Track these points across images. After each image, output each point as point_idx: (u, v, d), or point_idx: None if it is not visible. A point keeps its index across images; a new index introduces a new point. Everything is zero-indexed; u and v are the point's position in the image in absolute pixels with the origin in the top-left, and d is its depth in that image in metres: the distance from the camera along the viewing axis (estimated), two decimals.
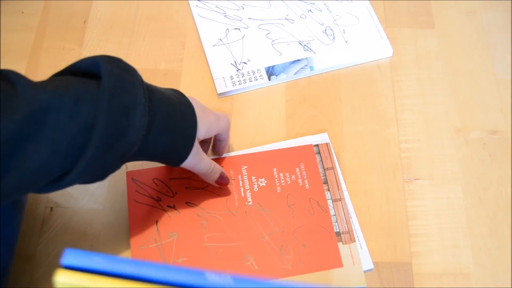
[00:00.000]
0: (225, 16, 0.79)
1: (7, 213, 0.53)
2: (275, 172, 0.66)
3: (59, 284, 0.40)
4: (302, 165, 0.66)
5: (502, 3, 0.81)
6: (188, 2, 0.81)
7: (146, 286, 0.37)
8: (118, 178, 0.67)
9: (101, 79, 0.45)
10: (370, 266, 0.61)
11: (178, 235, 0.62)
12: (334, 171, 0.66)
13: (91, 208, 0.65)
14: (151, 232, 0.62)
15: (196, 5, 0.80)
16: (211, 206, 0.64)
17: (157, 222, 0.63)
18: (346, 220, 0.63)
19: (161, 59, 0.76)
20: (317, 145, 0.68)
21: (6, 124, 0.40)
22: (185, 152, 0.54)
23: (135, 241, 0.62)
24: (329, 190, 0.65)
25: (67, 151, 0.43)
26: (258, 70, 0.74)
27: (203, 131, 0.56)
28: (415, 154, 0.69)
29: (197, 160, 0.57)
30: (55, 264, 0.62)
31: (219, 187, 0.63)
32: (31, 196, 0.64)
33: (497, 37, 0.78)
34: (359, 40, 0.77)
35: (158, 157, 0.53)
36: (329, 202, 0.64)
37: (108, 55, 0.48)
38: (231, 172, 0.66)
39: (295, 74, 0.74)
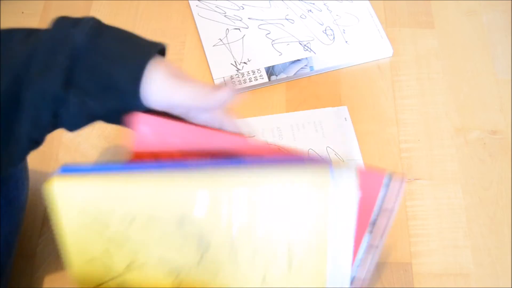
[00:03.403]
0: (225, 16, 0.79)
1: (6, 212, 0.53)
2: None
3: (54, 194, 0.43)
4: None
5: (502, 3, 0.81)
6: (188, 2, 0.81)
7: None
8: None
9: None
10: None
11: None
12: (390, 215, 0.48)
13: None
14: None
15: (196, 5, 0.80)
16: None
17: None
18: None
19: None
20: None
21: None
22: (139, 63, 0.43)
23: None
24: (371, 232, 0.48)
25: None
26: (258, 70, 0.74)
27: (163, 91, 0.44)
28: (415, 154, 0.69)
29: (172, 90, 0.43)
30: (55, 264, 0.62)
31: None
32: (31, 196, 0.64)
33: (497, 37, 0.78)
34: (359, 40, 0.77)
35: (111, 74, 0.43)
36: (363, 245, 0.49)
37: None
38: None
39: (295, 74, 0.74)
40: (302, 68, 0.75)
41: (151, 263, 0.46)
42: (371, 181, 0.47)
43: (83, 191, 0.44)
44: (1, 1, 0.80)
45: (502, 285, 0.61)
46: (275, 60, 0.75)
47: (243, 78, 0.74)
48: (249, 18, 0.79)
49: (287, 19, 0.79)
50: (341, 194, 0.42)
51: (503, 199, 0.66)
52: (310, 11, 0.80)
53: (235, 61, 0.75)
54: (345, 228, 0.43)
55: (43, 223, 0.64)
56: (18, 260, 0.59)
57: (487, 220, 0.65)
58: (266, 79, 0.74)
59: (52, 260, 0.62)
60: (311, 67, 0.75)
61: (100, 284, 0.47)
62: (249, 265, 0.45)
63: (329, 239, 0.43)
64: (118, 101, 0.44)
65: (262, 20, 0.79)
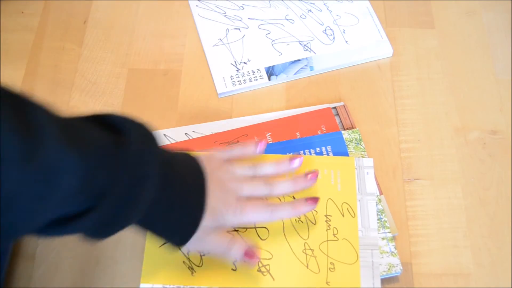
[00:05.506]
0: (225, 16, 0.79)
1: None
2: (298, 136, 0.67)
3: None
4: (323, 127, 0.68)
5: (502, 3, 0.81)
6: (188, 2, 0.81)
7: None
8: None
9: (123, 136, 0.45)
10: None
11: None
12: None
13: None
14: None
15: (196, 5, 0.80)
16: None
17: None
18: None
19: (161, 59, 0.76)
20: (335, 108, 0.71)
21: (15, 176, 0.35)
22: (186, 235, 0.52)
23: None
24: None
25: (71, 208, 0.42)
26: (258, 70, 0.74)
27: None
28: (415, 154, 0.69)
29: (202, 245, 0.54)
30: (55, 264, 0.62)
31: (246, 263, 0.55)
32: None
33: (497, 37, 0.78)
34: (359, 40, 0.77)
35: (161, 231, 0.52)
36: None
37: (135, 119, 0.48)
38: (256, 140, 0.65)
39: (295, 74, 0.74)
40: (302, 68, 0.75)
41: None
42: (325, 116, 0.70)
43: None
44: (1, 1, 0.80)
45: (502, 285, 0.61)
46: (275, 60, 0.75)
47: (243, 78, 0.74)
48: (249, 18, 0.79)
49: (287, 19, 0.79)
50: (361, 169, 0.64)
51: (503, 199, 0.66)
52: (310, 11, 0.80)
53: (235, 61, 0.75)
54: (368, 192, 0.63)
55: None
56: (18, 260, 0.59)
57: (487, 220, 0.65)
58: (266, 79, 0.74)
59: (52, 260, 0.62)
60: (311, 67, 0.75)
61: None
62: (294, 225, 0.60)
63: (358, 202, 0.62)
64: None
65: (262, 20, 0.79)
